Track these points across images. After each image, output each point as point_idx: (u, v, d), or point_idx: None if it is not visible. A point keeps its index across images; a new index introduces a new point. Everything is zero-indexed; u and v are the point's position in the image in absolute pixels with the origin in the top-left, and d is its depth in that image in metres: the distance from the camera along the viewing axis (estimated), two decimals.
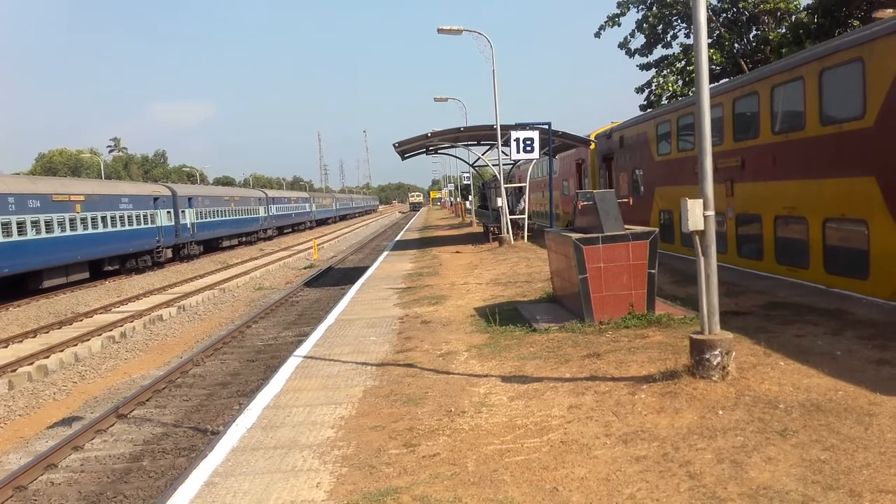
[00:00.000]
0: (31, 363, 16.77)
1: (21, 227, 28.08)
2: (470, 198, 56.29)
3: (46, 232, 29.86)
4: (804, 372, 7.32)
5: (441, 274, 19.88)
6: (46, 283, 30.03)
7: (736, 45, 28.92)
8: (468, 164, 40.41)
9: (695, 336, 7.20)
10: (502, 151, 27.52)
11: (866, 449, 5.34)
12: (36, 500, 9.17)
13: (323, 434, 6.87)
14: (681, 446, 5.67)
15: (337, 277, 31.25)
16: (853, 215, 11.49)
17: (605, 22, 30.70)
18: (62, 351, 18.13)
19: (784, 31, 25.50)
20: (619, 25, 30.68)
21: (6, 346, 19.14)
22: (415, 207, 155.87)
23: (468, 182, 59.71)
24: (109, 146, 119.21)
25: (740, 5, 28.46)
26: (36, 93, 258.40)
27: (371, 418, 7.21)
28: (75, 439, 10.99)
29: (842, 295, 11.35)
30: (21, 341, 19.82)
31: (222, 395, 13.42)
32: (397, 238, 43.10)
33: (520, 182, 31.57)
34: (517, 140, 24.97)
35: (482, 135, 30.64)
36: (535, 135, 25.12)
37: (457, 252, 26.73)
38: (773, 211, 13.87)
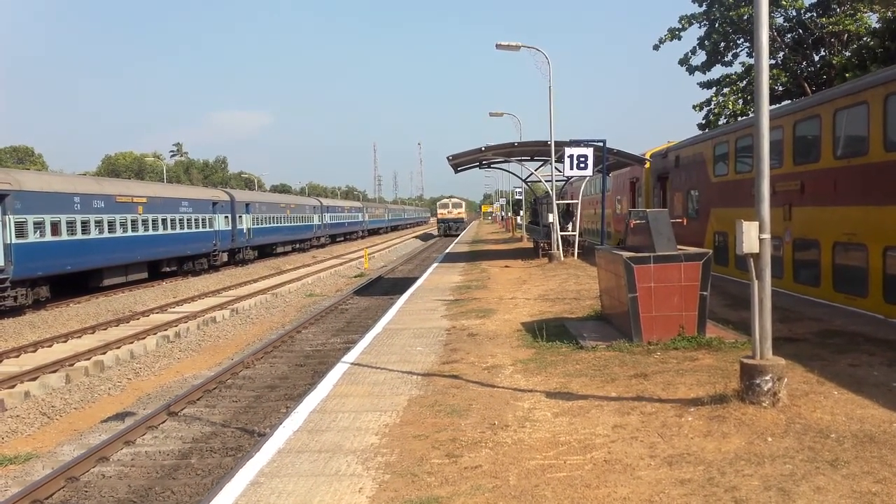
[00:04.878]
0: (89, 358, 17.31)
1: (85, 226, 29.01)
2: (521, 213, 56.18)
3: (109, 232, 30.79)
4: (858, 402, 7.14)
5: (489, 287, 19.89)
6: (107, 282, 30.93)
7: (800, 66, 28.39)
8: (521, 179, 40.37)
9: (746, 360, 7.09)
10: (556, 168, 27.41)
11: None
12: (87, 491, 9.44)
13: (367, 440, 6.96)
14: (727, 471, 5.58)
15: (386, 287, 31.46)
16: None
17: (665, 35, 30.47)
18: (118, 348, 18.67)
19: (849, 54, 24.95)
20: (679, 39, 30.41)
21: (65, 341, 19.83)
22: (448, 228, 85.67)
23: (520, 197, 59.62)
24: (172, 151, 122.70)
25: (806, 25, 27.95)
26: (105, 96, 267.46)
27: (415, 427, 7.27)
28: (127, 434, 11.28)
29: None
30: (80, 337, 20.50)
31: (270, 398, 13.63)
32: (447, 250, 43.26)
33: (572, 199, 31.39)
34: (571, 157, 24.84)
35: (536, 150, 30.61)
36: (589, 152, 24.96)
37: (506, 266, 26.70)
38: (831, 237, 13.55)
